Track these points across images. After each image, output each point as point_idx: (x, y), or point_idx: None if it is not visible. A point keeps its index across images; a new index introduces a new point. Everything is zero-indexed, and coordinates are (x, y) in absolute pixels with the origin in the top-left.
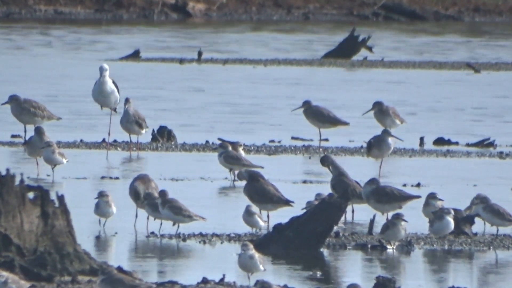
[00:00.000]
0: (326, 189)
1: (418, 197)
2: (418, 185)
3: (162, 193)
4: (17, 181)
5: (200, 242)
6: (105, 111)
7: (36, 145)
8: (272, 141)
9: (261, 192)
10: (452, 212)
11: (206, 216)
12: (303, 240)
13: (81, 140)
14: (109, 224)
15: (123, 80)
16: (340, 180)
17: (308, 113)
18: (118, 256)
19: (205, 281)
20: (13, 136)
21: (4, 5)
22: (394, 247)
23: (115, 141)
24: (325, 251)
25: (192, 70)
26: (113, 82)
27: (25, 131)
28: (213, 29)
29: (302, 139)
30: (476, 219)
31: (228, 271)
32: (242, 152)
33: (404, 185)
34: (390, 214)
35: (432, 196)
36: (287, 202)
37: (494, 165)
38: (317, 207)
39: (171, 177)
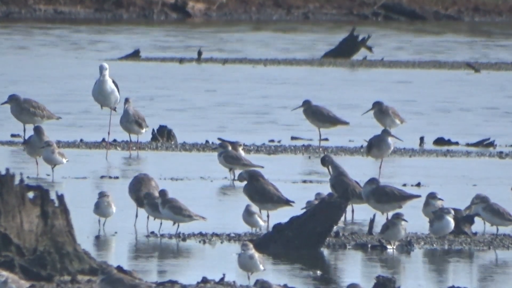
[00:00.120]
0: (326, 189)
1: (418, 196)
2: (418, 184)
3: (162, 193)
4: (16, 180)
5: (200, 241)
6: (105, 110)
7: (36, 145)
8: (272, 140)
9: (261, 192)
10: (452, 211)
11: (206, 215)
12: (303, 239)
13: (81, 140)
14: (109, 223)
15: (123, 79)
16: (339, 179)
17: (308, 112)
18: (118, 255)
19: (205, 280)
20: (12, 135)
21: (4, 4)
22: (394, 247)
23: (115, 140)
24: (325, 251)
25: (192, 69)
26: (113, 82)
27: (24, 130)
28: (213, 29)
29: (302, 139)
30: (476, 219)
31: (228, 271)
32: (242, 152)
33: (404, 185)
34: (390, 214)
35: (432, 196)
36: (287, 202)
37: (494, 165)
38: (317, 207)
39: (171, 177)
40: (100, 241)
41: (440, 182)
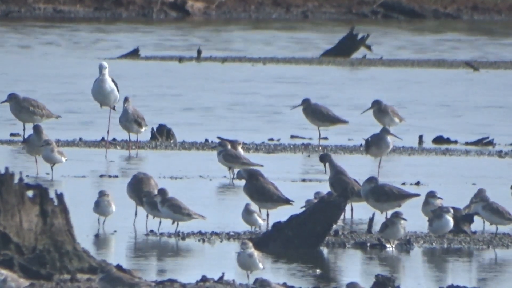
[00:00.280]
0: (325, 188)
1: (417, 195)
2: (418, 183)
3: (162, 192)
4: (16, 179)
5: (199, 240)
6: (104, 109)
7: (35, 144)
8: (271, 139)
9: (261, 191)
10: (451, 210)
11: (206, 214)
12: (303, 238)
13: (80, 139)
14: (108, 222)
15: (123, 78)
16: (339, 178)
17: (308, 111)
18: (117, 254)
19: (204, 279)
20: (12, 134)
21: (3, 3)
22: (394, 246)
23: (114, 139)
24: (324, 250)
25: (192, 68)
26: (113, 81)
27: (24, 129)
28: (212, 27)
29: (302, 138)
30: (476, 218)
31: (227, 270)
32: (241, 151)
33: (403, 184)
34: (389, 212)
35: (431, 195)
36: (287, 201)
37: (493, 164)
38: (316, 206)
39: (170, 176)
40: (100, 240)
41: (439, 181)
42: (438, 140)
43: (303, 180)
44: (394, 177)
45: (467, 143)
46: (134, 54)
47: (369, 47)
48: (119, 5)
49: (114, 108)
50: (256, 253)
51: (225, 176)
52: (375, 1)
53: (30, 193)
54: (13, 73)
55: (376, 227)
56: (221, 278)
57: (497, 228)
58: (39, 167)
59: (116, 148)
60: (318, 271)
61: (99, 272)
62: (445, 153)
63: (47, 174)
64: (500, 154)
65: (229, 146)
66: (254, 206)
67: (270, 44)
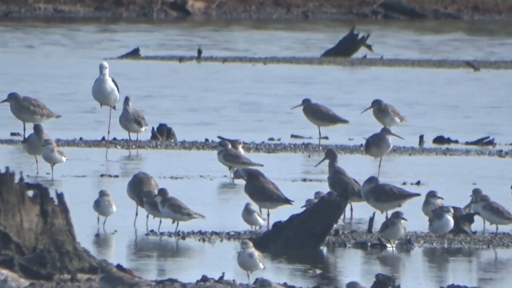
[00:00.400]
0: (325, 187)
1: (418, 195)
2: (418, 183)
3: (162, 192)
4: (16, 179)
5: (199, 240)
6: (105, 109)
7: (35, 143)
8: (272, 139)
9: (261, 191)
10: (452, 210)
11: (206, 214)
12: (303, 238)
13: (81, 138)
14: (109, 222)
15: (123, 78)
16: (338, 178)
17: (308, 111)
18: (117, 254)
19: (204, 279)
20: (12, 134)
21: (3, 3)
22: (394, 246)
23: (114, 139)
24: (324, 249)
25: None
26: (113, 81)
27: (24, 129)
28: (213, 27)
29: (302, 137)
30: (476, 217)
31: (228, 269)
32: (241, 150)
33: (404, 184)
34: (390, 212)
35: (431, 195)
36: (287, 201)
37: (494, 164)
38: (317, 206)
39: (170, 175)
40: (100, 240)
41: (439, 181)
42: (439, 139)
43: (304, 180)
44: (395, 176)
45: (467, 143)
46: (134, 54)
47: (369, 47)
48: (120, 5)
49: (114, 108)
50: (256, 253)
51: (225, 176)
52: (376, 1)
53: (30, 193)
54: (14, 72)
55: (377, 226)
56: (221, 278)
57: (497, 228)
58: (39, 167)
59: (117, 147)
60: (318, 270)
61: (99, 272)
62: (445, 153)
63: (47, 173)
64: (500, 153)
65: (230, 146)
66: (254, 206)
67: (270, 44)
